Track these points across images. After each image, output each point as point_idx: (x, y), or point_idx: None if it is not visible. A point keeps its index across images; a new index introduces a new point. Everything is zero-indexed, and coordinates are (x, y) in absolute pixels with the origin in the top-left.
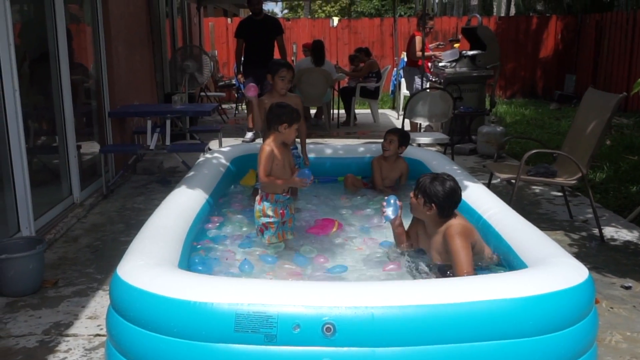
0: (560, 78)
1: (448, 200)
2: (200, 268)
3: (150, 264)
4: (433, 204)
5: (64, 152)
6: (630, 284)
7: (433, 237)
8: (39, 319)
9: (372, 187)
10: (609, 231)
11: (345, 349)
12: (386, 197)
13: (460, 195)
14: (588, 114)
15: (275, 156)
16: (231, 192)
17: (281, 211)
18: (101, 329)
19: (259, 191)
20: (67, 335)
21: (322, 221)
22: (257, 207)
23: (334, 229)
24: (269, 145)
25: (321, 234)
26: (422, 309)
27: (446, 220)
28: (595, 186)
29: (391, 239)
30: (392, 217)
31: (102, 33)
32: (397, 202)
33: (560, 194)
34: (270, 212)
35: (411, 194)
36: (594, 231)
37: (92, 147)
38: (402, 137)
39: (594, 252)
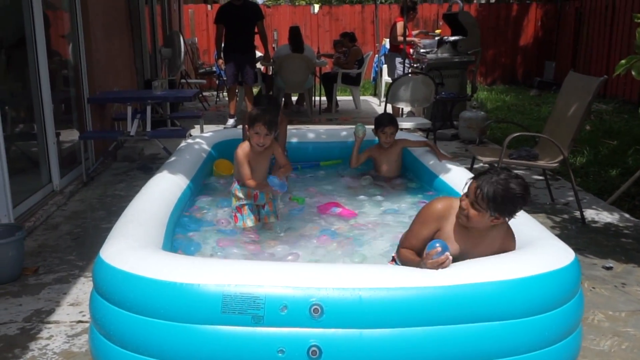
0: (540, 65)
1: (522, 206)
2: (183, 249)
3: (135, 247)
4: (507, 219)
5: (42, 139)
6: (611, 265)
7: (484, 237)
8: (19, 307)
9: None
10: (590, 213)
11: (332, 330)
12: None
13: None
14: (569, 98)
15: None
16: (208, 181)
17: (254, 193)
18: (83, 315)
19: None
20: (49, 322)
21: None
22: (231, 190)
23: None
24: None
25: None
26: (409, 291)
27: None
28: (576, 170)
29: None
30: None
31: (79, 18)
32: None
33: (541, 177)
34: (241, 195)
35: (465, 204)
36: (576, 214)
37: (71, 134)
38: (397, 124)
39: (575, 234)
